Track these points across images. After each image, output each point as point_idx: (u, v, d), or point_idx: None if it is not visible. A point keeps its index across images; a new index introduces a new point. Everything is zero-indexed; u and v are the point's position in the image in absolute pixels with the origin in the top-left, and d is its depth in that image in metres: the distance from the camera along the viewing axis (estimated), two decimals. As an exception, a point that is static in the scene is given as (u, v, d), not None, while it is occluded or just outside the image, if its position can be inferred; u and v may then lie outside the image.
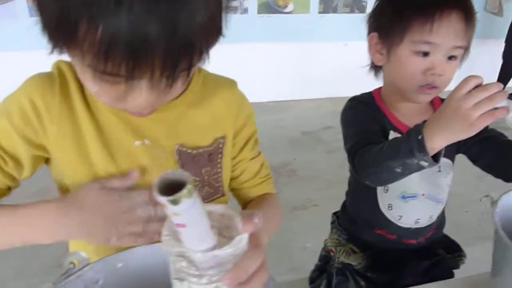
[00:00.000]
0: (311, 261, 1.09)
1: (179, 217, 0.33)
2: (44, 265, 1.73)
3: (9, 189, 0.58)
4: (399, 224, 0.88)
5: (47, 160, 0.60)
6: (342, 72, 4.41)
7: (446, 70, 0.76)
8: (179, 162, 0.60)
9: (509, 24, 4.47)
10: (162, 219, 0.40)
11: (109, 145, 0.57)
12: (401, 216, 0.88)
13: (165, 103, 0.52)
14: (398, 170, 0.66)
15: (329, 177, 2.71)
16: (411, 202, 0.87)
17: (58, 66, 0.57)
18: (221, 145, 0.64)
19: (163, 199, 0.31)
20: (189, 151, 0.61)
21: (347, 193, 1.00)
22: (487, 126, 0.62)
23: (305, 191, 2.50)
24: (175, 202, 0.31)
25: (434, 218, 0.91)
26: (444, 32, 0.73)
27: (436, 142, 0.60)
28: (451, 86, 0.69)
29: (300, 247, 1.93)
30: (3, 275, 1.72)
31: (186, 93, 0.59)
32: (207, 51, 0.45)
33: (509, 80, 4.46)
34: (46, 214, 0.53)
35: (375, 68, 0.89)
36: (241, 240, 0.38)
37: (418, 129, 0.62)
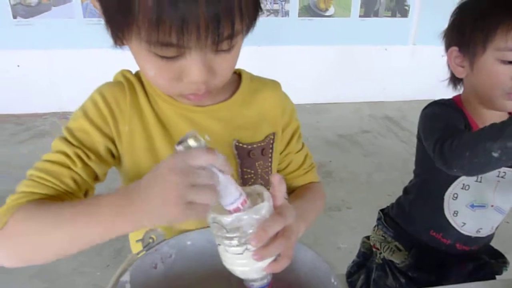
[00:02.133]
0: (346, 261, 1.12)
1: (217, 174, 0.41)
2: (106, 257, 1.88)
3: (86, 194, 0.59)
4: (461, 231, 0.90)
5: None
6: (381, 76, 4.38)
7: None
8: (237, 156, 0.66)
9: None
10: None
11: (174, 142, 0.64)
12: (464, 224, 0.89)
13: (214, 90, 0.57)
14: (496, 154, 0.65)
15: (364, 180, 2.71)
16: (479, 212, 0.89)
17: (123, 74, 0.63)
18: (271, 141, 0.69)
19: (180, 147, 0.42)
20: (244, 146, 0.66)
21: (408, 194, 1.01)
22: None
23: (339, 193, 2.52)
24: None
25: (494, 229, 0.93)
26: None
27: None
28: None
29: (334, 247, 1.96)
30: (70, 267, 1.86)
31: (236, 95, 0.66)
32: (248, 21, 0.50)
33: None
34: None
35: (455, 80, 0.90)
36: (262, 207, 0.43)
37: None
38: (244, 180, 0.67)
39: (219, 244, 0.46)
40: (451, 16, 0.86)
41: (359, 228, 1.88)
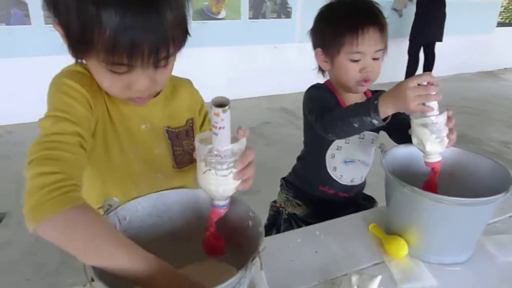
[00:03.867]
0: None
1: (222, 122, 0.57)
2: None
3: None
4: (340, 182, 1.18)
5: None
6: (275, 72, 4.77)
7: (374, 67, 1.05)
8: (168, 138, 0.84)
9: (411, 25, 5.09)
10: None
11: (127, 126, 0.79)
12: (342, 176, 1.18)
13: (154, 94, 0.74)
14: (356, 125, 0.90)
15: (270, 167, 3.00)
16: (350, 165, 1.17)
17: (82, 66, 0.73)
18: (191, 124, 0.89)
19: (218, 109, 0.55)
20: (173, 130, 0.85)
21: (300, 160, 1.28)
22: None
23: (249, 180, 2.76)
24: (224, 111, 0.55)
25: (363, 178, 1.23)
26: (367, 43, 1.01)
27: (385, 108, 0.85)
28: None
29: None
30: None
31: (163, 91, 0.84)
32: (179, 46, 0.68)
33: (415, 71, 5.10)
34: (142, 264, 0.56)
35: (322, 70, 1.16)
36: (243, 141, 0.62)
37: (375, 97, 0.88)
38: (175, 156, 0.85)
39: (209, 170, 0.61)
40: (314, 20, 1.12)
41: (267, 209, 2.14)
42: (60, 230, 0.54)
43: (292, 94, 4.88)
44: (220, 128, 0.57)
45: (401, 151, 0.99)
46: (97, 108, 0.73)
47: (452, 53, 5.78)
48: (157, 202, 0.75)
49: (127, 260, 0.55)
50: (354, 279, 0.76)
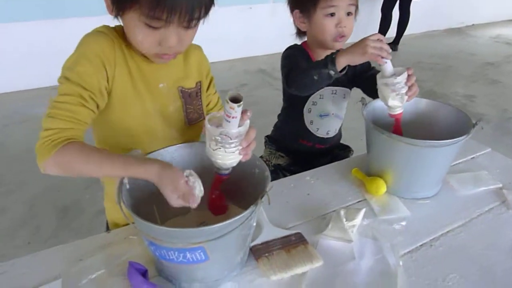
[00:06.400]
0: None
1: (235, 113, 0.66)
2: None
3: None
4: (317, 135, 1.31)
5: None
6: (249, 33, 4.76)
7: (348, 23, 1.15)
8: (182, 97, 0.94)
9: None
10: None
11: (147, 85, 0.88)
12: (318, 129, 1.31)
13: (178, 53, 0.83)
14: (315, 77, 1.03)
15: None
16: (325, 119, 1.30)
17: (107, 28, 0.83)
18: (199, 86, 0.98)
19: (234, 104, 0.64)
20: (186, 90, 0.95)
21: (280, 117, 1.40)
22: (373, 67, 1.01)
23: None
24: (239, 106, 0.65)
25: (337, 130, 1.36)
26: None
27: (342, 60, 0.99)
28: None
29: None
30: None
31: (178, 56, 0.91)
32: (207, 11, 0.77)
33: (387, 29, 5.20)
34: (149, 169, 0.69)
35: (300, 33, 1.25)
36: (247, 123, 0.72)
37: (333, 52, 1.01)
38: (187, 114, 0.95)
39: (219, 148, 0.71)
40: None
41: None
42: (60, 165, 0.71)
43: (267, 56, 4.91)
44: (233, 117, 0.67)
45: (379, 104, 1.12)
46: (115, 68, 0.82)
47: (421, 11, 5.89)
48: (175, 154, 0.85)
49: (138, 165, 0.70)
50: (342, 212, 0.90)
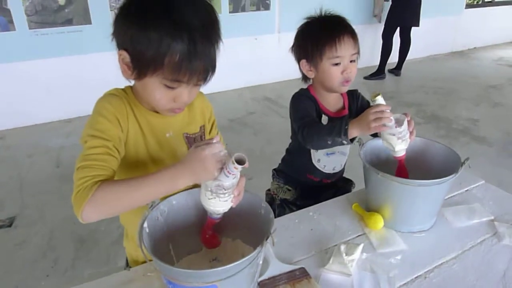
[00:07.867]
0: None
1: (237, 172, 0.75)
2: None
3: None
4: (323, 171, 1.40)
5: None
6: (255, 62, 4.92)
7: (352, 69, 1.25)
8: (187, 142, 1.03)
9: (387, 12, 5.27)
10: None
11: (155, 136, 0.98)
12: (325, 166, 1.40)
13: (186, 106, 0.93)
14: (329, 142, 1.14)
15: (257, 155, 3.20)
16: (332, 157, 1.39)
17: (117, 90, 0.94)
18: (203, 130, 1.08)
19: (239, 166, 0.72)
20: (190, 135, 1.04)
21: (289, 152, 1.49)
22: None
23: (241, 169, 2.95)
24: (243, 167, 0.73)
25: (343, 165, 1.45)
26: (343, 48, 1.21)
27: (354, 132, 1.10)
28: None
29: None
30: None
31: None
32: (215, 70, 0.87)
33: (388, 55, 5.31)
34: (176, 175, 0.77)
35: (305, 78, 1.35)
36: (239, 174, 0.79)
37: (346, 122, 1.11)
38: None
39: (214, 198, 0.79)
40: (295, 37, 1.31)
41: (261, 192, 2.35)
42: (98, 206, 0.75)
43: (273, 84, 5.07)
44: (233, 174, 0.76)
45: (374, 143, 1.21)
46: (128, 123, 0.92)
47: (424, 35, 6.02)
48: (188, 197, 0.95)
49: (167, 179, 0.77)
50: (342, 247, 0.98)
